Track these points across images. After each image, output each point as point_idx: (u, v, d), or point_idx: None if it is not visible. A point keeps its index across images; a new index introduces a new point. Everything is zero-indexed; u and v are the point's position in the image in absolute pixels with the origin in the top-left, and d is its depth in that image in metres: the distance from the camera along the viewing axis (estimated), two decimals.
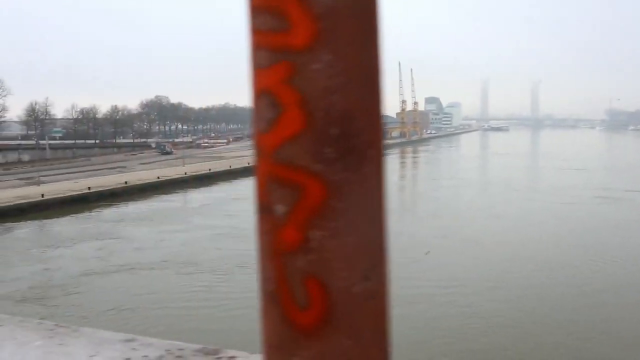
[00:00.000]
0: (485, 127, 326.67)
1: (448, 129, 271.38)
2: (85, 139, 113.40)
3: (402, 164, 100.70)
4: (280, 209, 0.77)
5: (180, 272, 25.92)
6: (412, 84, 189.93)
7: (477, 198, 52.96)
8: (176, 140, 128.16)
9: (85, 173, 64.11)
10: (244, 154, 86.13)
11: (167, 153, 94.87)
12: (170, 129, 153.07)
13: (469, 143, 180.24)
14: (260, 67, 0.77)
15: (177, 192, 55.10)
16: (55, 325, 2.35)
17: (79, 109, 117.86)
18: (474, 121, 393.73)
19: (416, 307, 19.83)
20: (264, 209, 0.79)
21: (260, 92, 0.77)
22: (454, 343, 17.49)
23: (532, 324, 18.92)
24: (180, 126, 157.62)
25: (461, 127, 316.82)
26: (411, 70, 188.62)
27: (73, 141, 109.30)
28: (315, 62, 0.75)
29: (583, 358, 16.57)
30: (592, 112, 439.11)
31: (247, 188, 41.83)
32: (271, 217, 0.78)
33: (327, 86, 0.75)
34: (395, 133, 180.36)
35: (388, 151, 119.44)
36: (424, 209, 47.14)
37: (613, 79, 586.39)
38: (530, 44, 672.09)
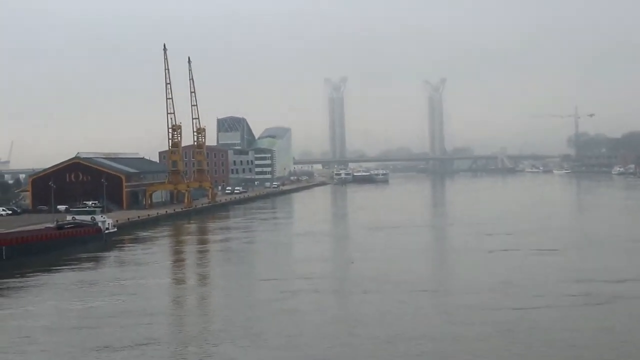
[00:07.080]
0: (342, 176, 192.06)
1: (267, 183, 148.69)
2: None
3: (179, 262, 48.51)
4: None
5: None
6: (193, 91, 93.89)
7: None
8: None
9: None
10: None
11: None
12: None
13: (314, 210, 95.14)
14: None
15: None
16: None
17: None
18: (318, 165, 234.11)
19: None
20: None
21: None
22: None
23: None
24: None
25: (292, 176, 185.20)
26: (189, 60, 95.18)
27: None
28: None
29: None
30: (548, 144, 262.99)
31: None
32: None
33: None
34: (159, 194, 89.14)
35: (143, 234, 62.67)
36: None
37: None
38: None
